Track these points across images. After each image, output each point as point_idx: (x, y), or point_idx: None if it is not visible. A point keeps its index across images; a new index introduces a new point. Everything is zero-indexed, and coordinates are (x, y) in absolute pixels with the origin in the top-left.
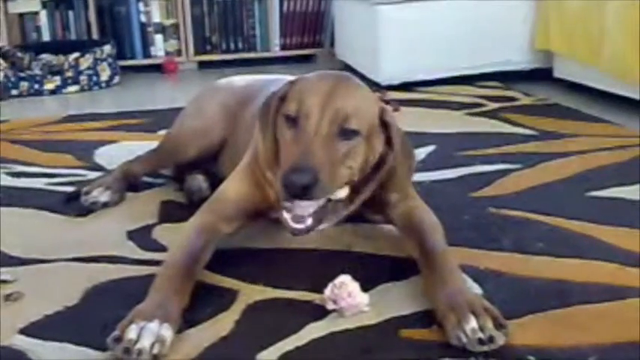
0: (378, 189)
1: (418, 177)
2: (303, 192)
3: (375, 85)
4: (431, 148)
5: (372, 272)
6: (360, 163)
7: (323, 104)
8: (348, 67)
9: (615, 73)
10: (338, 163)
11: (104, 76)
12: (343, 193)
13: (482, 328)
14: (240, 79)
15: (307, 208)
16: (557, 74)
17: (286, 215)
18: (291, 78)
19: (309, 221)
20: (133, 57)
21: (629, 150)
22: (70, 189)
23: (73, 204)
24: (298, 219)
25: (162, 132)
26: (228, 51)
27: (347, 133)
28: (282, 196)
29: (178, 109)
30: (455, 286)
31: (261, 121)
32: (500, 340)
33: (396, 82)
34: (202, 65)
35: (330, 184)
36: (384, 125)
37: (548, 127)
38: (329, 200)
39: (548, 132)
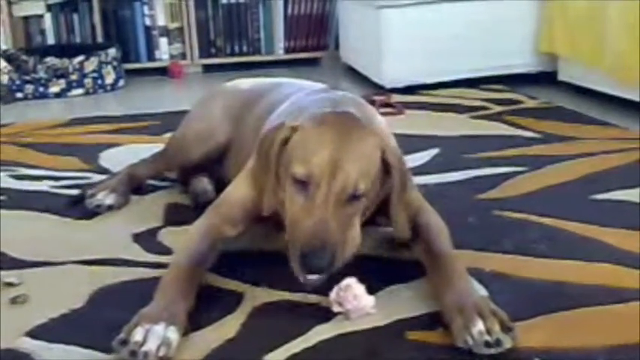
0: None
1: (423, 180)
2: (321, 270)
3: (379, 88)
4: (435, 150)
5: (378, 275)
6: (367, 205)
7: (331, 169)
8: (352, 70)
9: (619, 76)
10: (348, 227)
11: (109, 79)
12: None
13: (489, 331)
14: (244, 82)
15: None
16: (561, 77)
17: (301, 277)
18: (292, 98)
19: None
20: (137, 60)
21: (633, 153)
22: (75, 192)
23: (78, 207)
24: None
25: (167, 135)
26: (232, 54)
27: (354, 197)
28: (297, 270)
29: (183, 113)
30: (461, 288)
31: (262, 162)
32: (507, 342)
33: (400, 84)
34: (207, 68)
35: (345, 255)
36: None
37: (553, 130)
38: None
39: (553, 135)
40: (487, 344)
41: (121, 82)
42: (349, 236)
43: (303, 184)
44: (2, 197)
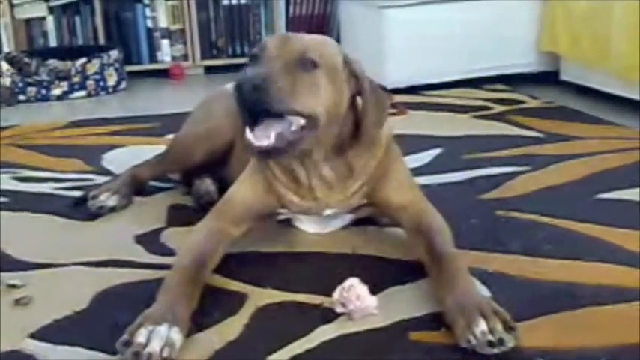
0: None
1: (425, 180)
2: (255, 95)
3: (381, 89)
4: (437, 151)
5: (381, 275)
6: (325, 99)
7: (282, 40)
8: None
9: (621, 75)
10: (299, 86)
11: (111, 81)
12: (324, 118)
13: (491, 331)
14: None
15: (271, 127)
16: (563, 77)
17: (249, 135)
18: None
19: (272, 138)
20: (139, 62)
21: (635, 152)
22: (78, 193)
23: (80, 208)
24: (261, 138)
25: (170, 136)
26: (234, 55)
27: (306, 64)
28: (238, 110)
29: (185, 114)
30: (464, 288)
31: None
32: (510, 342)
33: (402, 85)
34: (209, 70)
35: (286, 95)
36: (355, 77)
37: (555, 129)
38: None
39: (555, 134)
40: (490, 344)
41: (123, 84)
42: (297, 89)
43: (254, 59)
44: (5, 199)
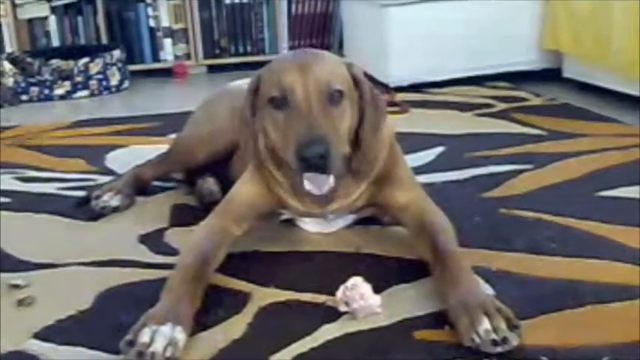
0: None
1: (428, 178)
2: (321, 162)
3: (383, 87)
4: (440, 149)
5: (384, 274)
6: (349, 122)
7: (303, 76)
8: None
9: (623, 72)
10: (338, 128)
11: (114, 80)
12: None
13: (495, 329)
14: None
15: (322, 184)
16: (566, 74)
17: (309, 186)
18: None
19: (330, 183)
20: (142, 61)
21: (638, 149)
22: (81, 193)
23: (84, 208)
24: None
25: (173, 136)
26: (237, 54)
27: (334, 97)
28: (299, 170)
29: (188, 113)
30: (467, 287)
31: (244, 122)
32: (514, 340)
33: (404, 83)
34: (211, 69)
35: (339, 151)
36: (355, 81)
37: (558, 127)
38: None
39: (558, 132)
40: (494, 342)
41: (126, 84)
42: (341, 137)
43: (279, 102)
44: (8, 199)
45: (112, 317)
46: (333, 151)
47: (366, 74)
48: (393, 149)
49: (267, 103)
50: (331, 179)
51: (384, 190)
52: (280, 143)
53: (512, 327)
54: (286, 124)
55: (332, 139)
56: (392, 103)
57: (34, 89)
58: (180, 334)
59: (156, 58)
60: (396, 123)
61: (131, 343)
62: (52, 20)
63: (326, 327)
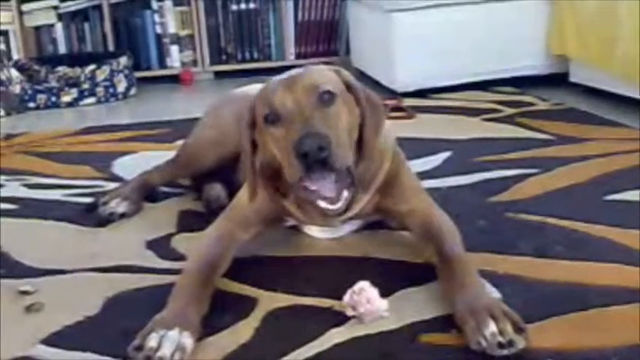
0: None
1: (435, 183)
2: (321, 155)
3: (390, 93)
4: (447, 154)
5: (391, 278)
6: (347, 124)
7: (290, 88)
8: (363, 75)
9: (630, 77)
10: (336, 127)
11: (120, 87)
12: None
13: (501, 332)
14: (255, 89)
15: (330, 185)
16: (572, 79)
17: (322, 203)
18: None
19: (340, 203)
20: (149, 68)
21: None
22: (88, 200)
23: (91, 215)
24: (329, 201)
25: (180, 142)
26: (243, 61)
27: (325, 98)
28: (299, 170)
29: (195, 119)
30: (473, 290)
31: (245, 157)
32: (520, 343)
33: (411, 89)
34: (218, 75)
35: (340, 149)
36: (347, 86)
37: (565, 131)
38: (351, 179)
39: (565, 136)
40: (500, 345)
41: (133, 90)
42: (340, 136)
43: (273, 118)
44: (15, 206)
45: (119, 323)
46: (333, 146)
47: (371, 78)
48: (396, 156)
49: (263, 125)
50: (345, 193)
51: (390, 197)
52: (281, 156)
53: (518, 330)
54: (283, 134)
55: (330, 134)
56: (398, 109)
57: (41, 96)
58: (187, 339)
59: (162, 65)
60: (401, 128)
61: (139, 348)
62: (59, 27)
63: (333, 331)
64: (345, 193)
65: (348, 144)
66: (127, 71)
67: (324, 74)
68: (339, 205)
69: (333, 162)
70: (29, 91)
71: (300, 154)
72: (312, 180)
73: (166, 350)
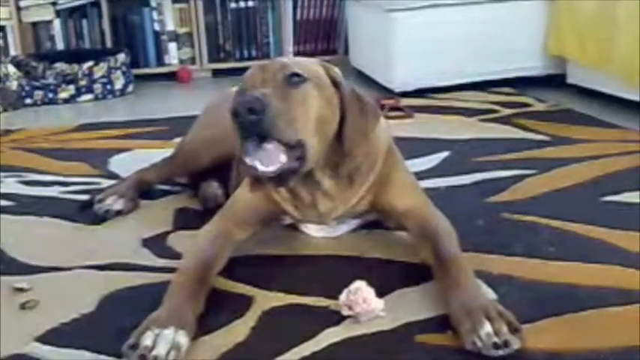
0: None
1: (432, 183)
2: (249, 118)
3: (388, 92)
4: (445, 154)
5: (387, 278)
6: (316, 113)
7: (263, 68)
8: (362, 74)
9: (627, 78)
10: (292, 105)
11: (118, 84)
12: (314, 143)
13: (497, 333)
14: None
15: (271, 155)
16: (570, 80)
17: (255, 162)
18: None
19: (273, 167)
20: (146, 65)
21: None
22: (84, 197)
23: (87, 212)
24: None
25: (177, 140)
26: (242, 59)
27: (293, 80)
28: (239, 137)
29: (192, 117)
30: (469, 291)
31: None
32: (515, 344)
33: (409, 88)
34: (216, 73)
35: (283, 121)
36: (336, 86)
37: (562, 132)
38: (302, 154)
39: (562, 137)
40: (495, 346)
41: (130, 88)
42: (292, 111)
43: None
44: (12, 203)
45: (114, 321)
46: (270, 113)
47: (369, 77)
48: (391, 154)
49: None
50: (282, 156)
51: (385, 195)
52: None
53: (513, 330)
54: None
55: (272, 103)
56: (396, 108)
57: (39, 93)
58: (182, 338)
59: (160, 62)
60: (399, 128)
61: (134, 347)
62: (57, 24)
63: (329, 331)
64: (283, 159)
65: (308, 128)
66: (124, 68)
67: (303, 63)
68: (271, 168)
69: (268, 129)
70: (26, 88)
71: (233, 117)
72: (250, 152)
73: (161, 349)
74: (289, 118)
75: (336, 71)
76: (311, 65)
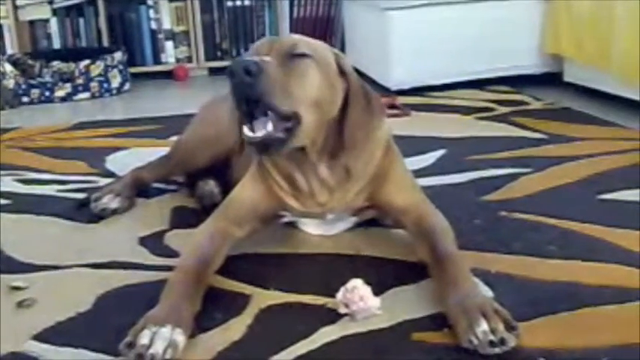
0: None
1: (429, 181)
2: (244, 79)
3: (385, 90)
4: (441, 152)
5: (384, 276)
6: (315, 91)
7: (271, 40)
8: (358, 72)
9: (624, 77)
10: (291, 76)
11: (115, 83)
12: (308, 120)
13: (493, 331)
14: None
15: (259, 121)
16: (567, 78)
17: (245, 129)
18: None
19: (260, 132)
20: (143, 64)
21: (639, 153)
22: (81, 196)
23: (83, 211)
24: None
25: (174, 138)
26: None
27: (297, 57)
28: (232, 97)
29: (189, 116)
30: (466, 289)
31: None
32: (512, 342)
33: (406, 86)
34: (213, 71)
35: (277, 87)
36: (342, 72)
37: (559, 130)
38: (293, 126)
39: (559, 136)
40: (492, 344)
41: (127, 86)
42: (289, 82)
43: None
44: (8, 201)
45: (111, 319)
46: (265, 78)
47: (366, 76)
48: (389, 150)
49: None
50: (269, 124)
51: (382, 191)
52: None
53: (510, 328)
54: None
55: (270, 69)
56: (393, 107)
57: (35, 91)
58: (180, 336)
59: (157, 61)
60: (396, 126)
61: (131, 345)
62: (54, 22)
63: (325, 329)
64: (270, 127)
65: (304, 102)
66: (121, 67)
67: (312, 43)
68: (258, 134)
69: (262, 93)
70: (23, 86)
71: (229, 76)
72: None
73: (158, 347)
74: (285, 88)
75: (347, 61)
76: (320, 46)
